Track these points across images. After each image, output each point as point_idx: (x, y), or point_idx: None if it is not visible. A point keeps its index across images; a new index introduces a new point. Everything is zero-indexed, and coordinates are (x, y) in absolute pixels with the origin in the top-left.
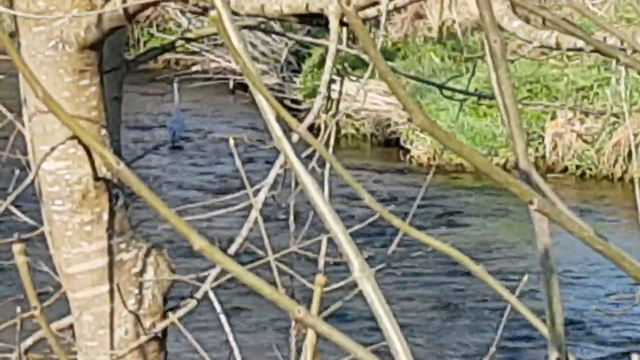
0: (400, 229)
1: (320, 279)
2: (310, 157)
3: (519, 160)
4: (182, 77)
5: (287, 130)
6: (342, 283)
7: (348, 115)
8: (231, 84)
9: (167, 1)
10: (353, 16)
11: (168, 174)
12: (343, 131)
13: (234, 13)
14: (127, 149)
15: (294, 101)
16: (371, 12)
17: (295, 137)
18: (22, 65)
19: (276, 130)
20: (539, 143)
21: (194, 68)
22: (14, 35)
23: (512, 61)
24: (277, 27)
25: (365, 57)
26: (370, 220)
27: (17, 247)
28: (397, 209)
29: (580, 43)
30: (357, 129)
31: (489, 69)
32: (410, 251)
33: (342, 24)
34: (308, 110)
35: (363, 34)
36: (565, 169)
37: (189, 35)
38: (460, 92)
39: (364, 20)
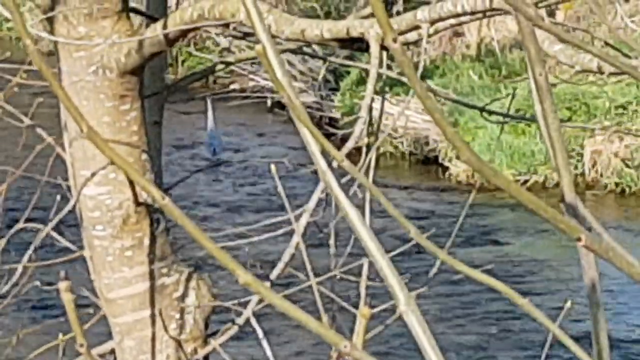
0: (446, 262)
1: (365, 310)
2: (352, 179)
3: (565, 193)
4: (220, 96)
5: (330, 161)
6: (382, 307)
7: (388, 134)
8: (269, 102)
9: (207, 27)
10: (400, 54)
11: (208, 194)
12: (382, 149)
13: (274, 37)
14: (165, 170)
15: (331, 119)
16: (412, 35)
17: (335, 164)
18: (65, 98)
19: (321, 163)
20: (578, 161)
21: (232, 87)
22: (52, 54)
23: (554, 85)
24: (317, 49)
25: (405, 78)
26: (412, 243)
27: (63, 285)
28: (436, 228)
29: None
30: (396, 147)
31: (530, 92)
32: (451, 274)
33: (382, 48)
34: (346, 129)
35: (410, 72)
36: (605, 187)
37: (228, 58)
38: (500, 114)
39: (404, 44)
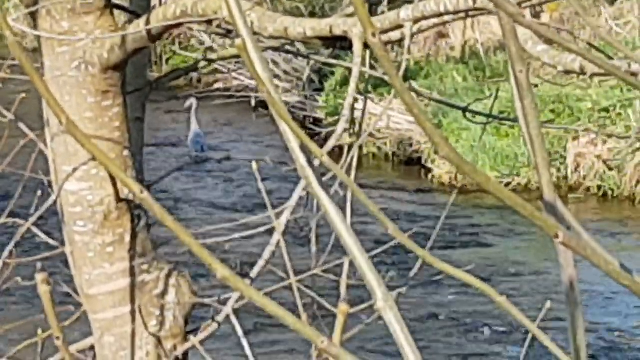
0: (426, 260)
1: (343, 307)
2: (333, 177)
3: (545, 191)
4: (204, 95)
5: (310, 158)
6: (362, 307)
7: (370, 134)
8: (253, 102)
9: (190, 23)
10: (379, 49)
11: (190, 193)
12: (365, 150)
13: (256, 34)
14: (149, 167)
15: (316, 119)
16: (395, 35)
17: (318, 162)
18: (46, 92)
19: (301, 159)
20: (561, 163)
21: (215, 86)
22: (35, 51)
23: (536, 86)
24: (301, 48)
25: (388, 78)
26: (393, 243)
27: (40, 277)
28: (418, 229)
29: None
30: (379, 148)
31: (512, 94)
32: (431, 273)
33: (366, 46)
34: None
35: (389, 67)
36: (587, 190)
37: (211, 56)
38: (483, 115)
39: (388, 43)
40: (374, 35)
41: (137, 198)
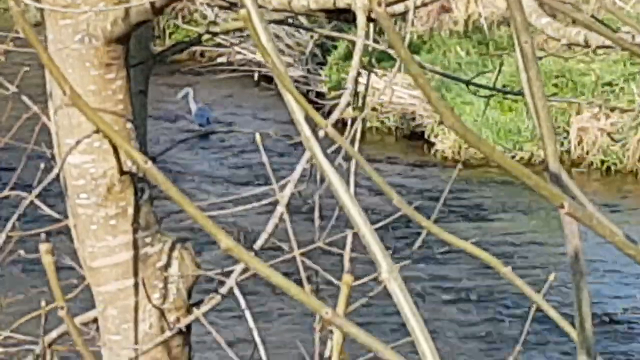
0: (430, 230)
1: (347, 278)
2: (337, 151)
3: (549, 162)
4: (208, 69)
5: (315, 129)
6: (367, 279)
7: (373, 109)
8: (256, 76)
9: None
10: (385, 18)
11: (194, 165)
12: (368, 124)
13: (260, 6)
14: (152, 141)
15: (318, 94)
16: (399, 7)
17: (322, 134)
18: (49, 62)
19: (305, 129)
20: (564, 138)
21: (219, 60)
22: (39, 25)
23: (540, 58)
24: (304, 21)
25: (392, 52)
26: (398, 215)
27: (44, 247)
28: (422, 203)
29: (609, 41)
30: (382, 122)
31: (517, 66)
32: (437, 246)
33: (369, 19)
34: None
35: (395, 36)
36: (590, 164)
37: (215, 29)
38: (486, 88)
39: (392, 16)
40: (379, 4)
41: (140, 169)
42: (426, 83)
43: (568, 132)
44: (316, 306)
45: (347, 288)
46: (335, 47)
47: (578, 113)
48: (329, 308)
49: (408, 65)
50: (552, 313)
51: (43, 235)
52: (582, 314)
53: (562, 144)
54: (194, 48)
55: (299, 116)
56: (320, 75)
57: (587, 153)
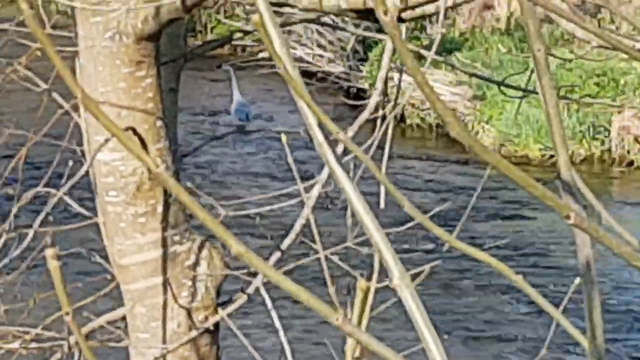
0: (442, 239)
1: (362, 284)
2: (369, 148)
3: (561, 170)
4: (248, 65)
5: (337, 131)
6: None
7: (413, 105)
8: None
9: None
10: (391, 26)
11: (230, 162)
12: (408, 121)
13: (291, 6)
14: (193, 136)
15: (359, 90)
16: (429, 8)
17: (349, 134)
18: (60, 66)
19: (318, 136)
20: (605, 136)
21: (260, 55)
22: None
23: (573, 59)
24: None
25: (424, 52)
26: (413, 224)
27: (49, 252)
28: (460, 201)
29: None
30: (423, 119)
31: (556, 64)
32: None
33: (399, 20)
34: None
35: (399, 44)
36: (631, 163)
37: (248, 27)
38: (518, 89)
39: (424, 17)
40: (384, 12)
41: (152, 172)
42: (432, 92)
43: (609, 132)
44: (327, 313)
45: (362, 293)
46: (376, 43)
47: (619, 112)
48: (340, 314)
49: (415, 75)
50: (564, 321)
51: (48, 240)
52: (593, 322)
53: (602, 143)
54: (235, 43)
55: (312, 122)
56: (361, 71)
57: (629, 152)
